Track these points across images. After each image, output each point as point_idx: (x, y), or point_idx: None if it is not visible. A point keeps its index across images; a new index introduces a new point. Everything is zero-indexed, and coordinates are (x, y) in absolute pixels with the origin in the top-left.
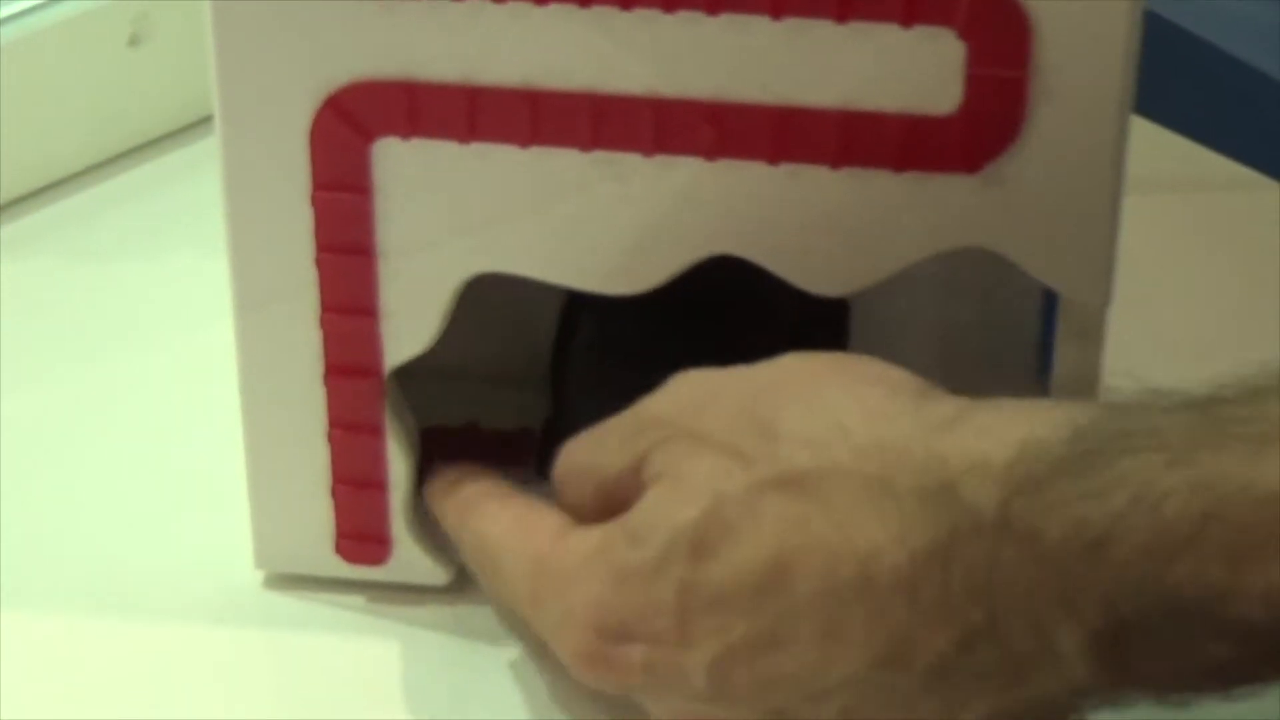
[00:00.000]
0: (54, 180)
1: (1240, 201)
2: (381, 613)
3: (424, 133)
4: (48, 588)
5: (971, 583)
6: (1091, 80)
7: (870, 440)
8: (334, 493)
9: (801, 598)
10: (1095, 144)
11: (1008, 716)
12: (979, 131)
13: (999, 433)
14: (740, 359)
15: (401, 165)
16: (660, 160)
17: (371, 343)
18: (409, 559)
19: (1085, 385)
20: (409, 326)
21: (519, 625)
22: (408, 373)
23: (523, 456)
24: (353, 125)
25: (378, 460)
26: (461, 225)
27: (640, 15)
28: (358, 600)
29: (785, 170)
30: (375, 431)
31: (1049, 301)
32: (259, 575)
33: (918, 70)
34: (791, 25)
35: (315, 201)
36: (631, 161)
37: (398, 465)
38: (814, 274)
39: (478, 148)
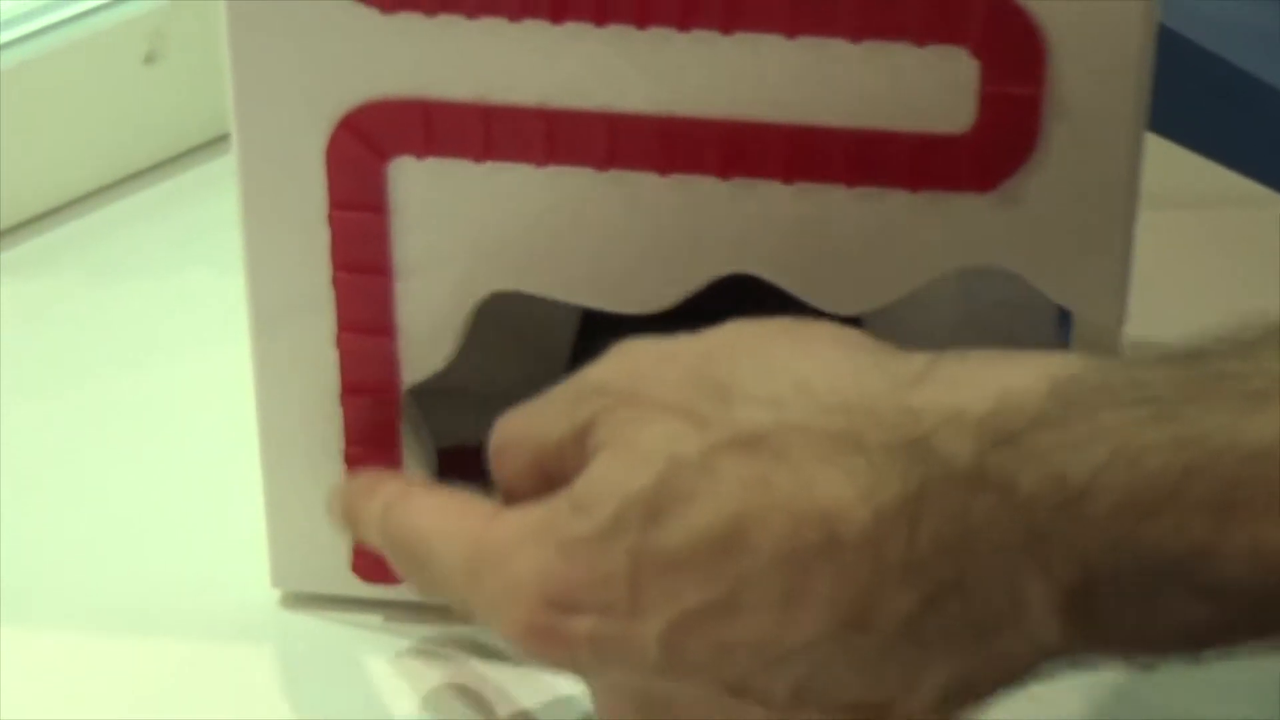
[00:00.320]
0: (70, 198)
1: (1253, 217)
2: (397, 631)
3: (439, 152)
4: (64, 603)
5: (941, 538)
6: (1106, 97)
7: (834, 399)
8: None
9: (762, 560)
10: (1110, 161)
11: (969, 681)
12: (993, 150)
13: (974, 385)
14: None
15: (417, 184)
16: (675, 179)
17: (388, 361)
18: None
19: None
20: (425, 345)
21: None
22: (424, 391)
23: None
24: (368, 145)
25: None
26: (477, 244)
27: (655, 34)
28: (374, 619)
29: (800, 189)
30: (392, 450)
31: (1063, 315)
32: (276, 593)
33: (932, 89)
34: (806, 44)
35: (332, 221)
36: (646, 180)
37: None
38: (829, 293)
39: (493, 167)
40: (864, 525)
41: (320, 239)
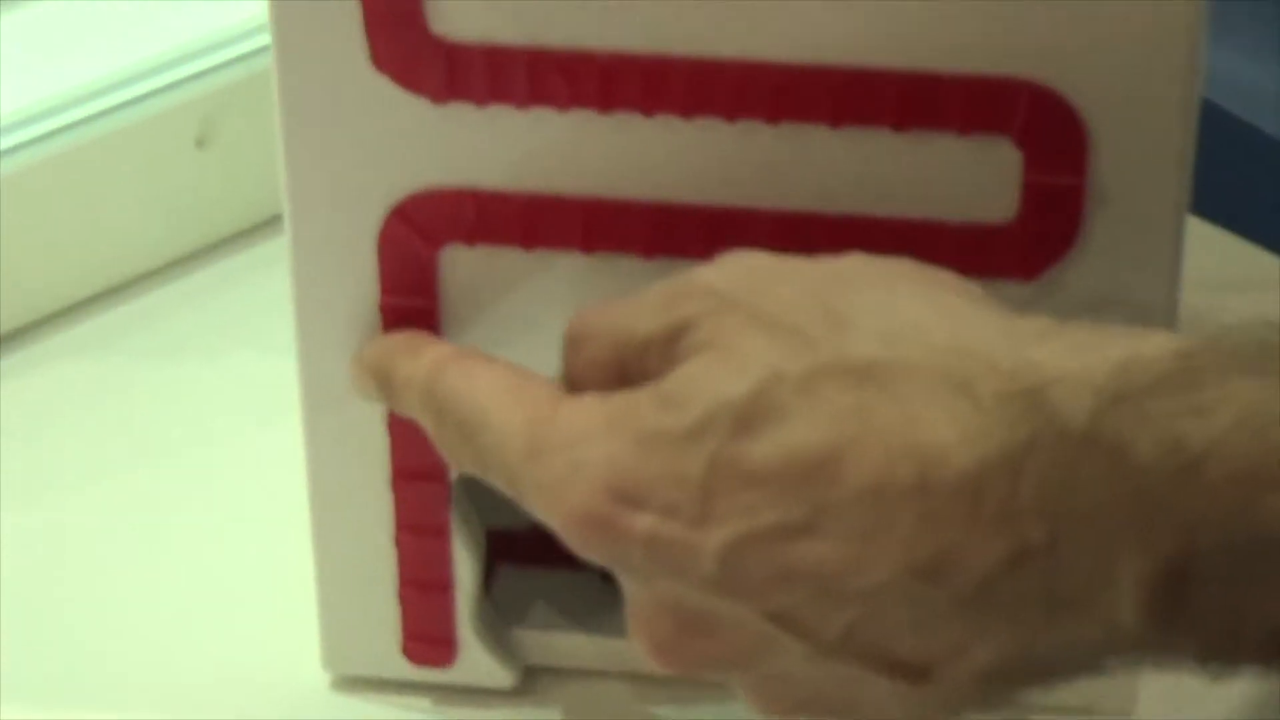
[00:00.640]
0: (123, 281)
1: None
2: (448, 715)
3: (489, 240)
4: (117, 688)
5: (1041, 496)
6: (1148, 184)
7: (951, 342)
8: (401, 595)
9: (847, 492)
10: (1152, 247)
11: (1021, 660)
12: (1036, 239)
13: (1098, 349)
14: None
15: (466, 272)
16: None
17: None
18: (475, 661)
19: None
20: None
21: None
22: (474, 476)
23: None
24: (420, 233)
25: (444, 563)
26: (526, 329)
27: (702, 125)
28: (424, 702)
29: None
30: (442, 534)
31: None
32: (327, 676)
33: (975, 179)
34: (850, 135)
35: (384, 308)
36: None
37: (464, 568)
38: None
39: (541, 254)
40: (961, 470)
41: (373, 324)
